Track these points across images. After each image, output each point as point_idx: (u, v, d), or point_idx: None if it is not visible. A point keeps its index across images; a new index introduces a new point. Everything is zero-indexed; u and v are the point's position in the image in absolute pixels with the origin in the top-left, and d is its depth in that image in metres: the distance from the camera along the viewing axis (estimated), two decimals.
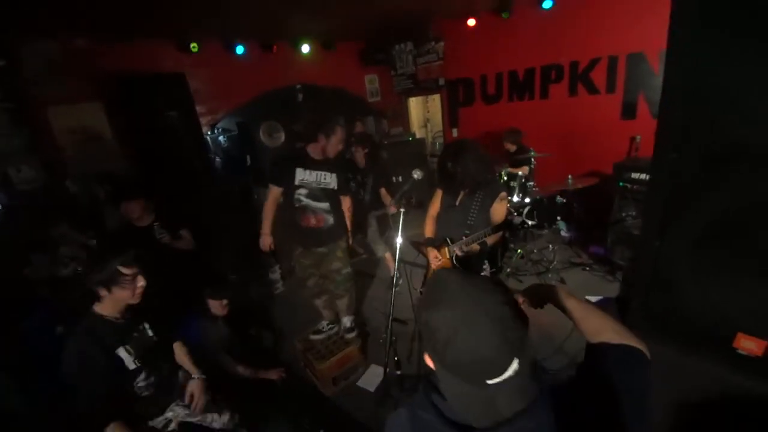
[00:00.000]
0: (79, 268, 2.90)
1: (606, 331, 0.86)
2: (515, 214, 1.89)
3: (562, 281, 3.69)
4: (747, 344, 1.07)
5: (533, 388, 0.67)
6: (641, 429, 0.70)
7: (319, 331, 3.05)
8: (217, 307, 2.49)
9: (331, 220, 2.72)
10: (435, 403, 0.75)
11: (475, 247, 2.10)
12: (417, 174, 2.03)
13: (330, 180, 2.64)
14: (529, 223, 1.83)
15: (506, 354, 0.65)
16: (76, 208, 3.57)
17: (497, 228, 1.96)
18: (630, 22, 3.96)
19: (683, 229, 1.03)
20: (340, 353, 2.74)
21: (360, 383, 2.75)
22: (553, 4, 4.32)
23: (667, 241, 1.07)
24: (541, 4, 4.35)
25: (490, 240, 2.08)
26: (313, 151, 2.61)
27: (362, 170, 3.73)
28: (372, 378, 2.77)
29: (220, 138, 4.68)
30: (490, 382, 0.65)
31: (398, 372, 2.03)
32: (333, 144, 2.56)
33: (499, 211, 2.21)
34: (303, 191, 2.60)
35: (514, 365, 0.65)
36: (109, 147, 3.80)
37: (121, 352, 1.63)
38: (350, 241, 2.98)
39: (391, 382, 2.31)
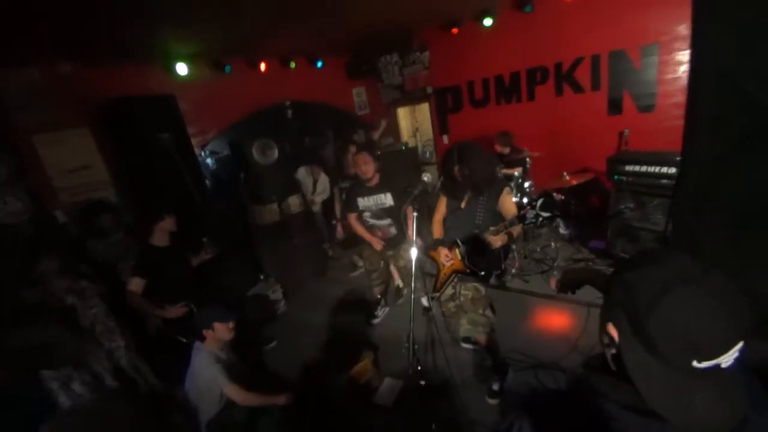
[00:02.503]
0: (78, 300, 2.77)
1: None
2: (528, 207, 1.87)
3: None
4: None
5: (744, 400, 0.51)
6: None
7: (375, 316, 3.57)
8: (223, 331, 2.37)
9: (394, 230, 3.20)
10: (608, 390, 0.61)
11: (504, 238, 2.07)
12: (427, 177, 2.02)
13: (386, 199, 3.07)
14: (544, 215, 1.81)
15: (732, 331, 0.49)
16: (65, 239, 3.43)
17: (518, 218, 1.93)
18: (610, 21, 4.10)
19: (717, 210, 1.02)
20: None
21: (377, 400, 2.63)
22: (533, 9, 4.43)
23: (702, 221, 1.06)
24: (523, 8, 4.44)
25: (515, 231, 2.07)
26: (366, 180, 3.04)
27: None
28: (389, 392, 2.68)
29: (208, 161, 4.60)
30: (697, 365, 0.49)
31: (422, 382, 1.96)
32: (357, 165, 2.98)
33: (509, 203, 2.22)
34: (367, 214, 3.15)
35: (736, 349, 0.49)
36: (99, 174, 3.69)
37: None
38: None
39: (411, 392, 2.24)
